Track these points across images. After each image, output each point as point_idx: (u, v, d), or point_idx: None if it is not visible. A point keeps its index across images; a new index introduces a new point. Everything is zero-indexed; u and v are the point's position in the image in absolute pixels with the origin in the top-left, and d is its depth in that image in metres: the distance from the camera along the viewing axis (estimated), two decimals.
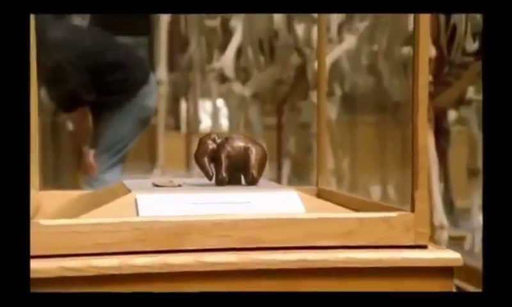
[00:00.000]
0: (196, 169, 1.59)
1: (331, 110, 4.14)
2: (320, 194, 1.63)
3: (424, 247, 1.25)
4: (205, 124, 6.36)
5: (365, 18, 4.14)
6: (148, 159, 6.45)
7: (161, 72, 6.35)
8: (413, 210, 1.25)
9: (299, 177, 4.78)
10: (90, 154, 3.88)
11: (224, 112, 5.84)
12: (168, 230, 1.21)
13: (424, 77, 1.21)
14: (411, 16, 1.86)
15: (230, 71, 4.89)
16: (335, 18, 4.17)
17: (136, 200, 1.30)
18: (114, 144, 3.88)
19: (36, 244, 1.18)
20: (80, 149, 4.07)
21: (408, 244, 1.25)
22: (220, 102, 5.86)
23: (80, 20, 5.76)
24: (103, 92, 3.81)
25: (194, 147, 1.46)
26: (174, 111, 7.18)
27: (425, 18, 1.24)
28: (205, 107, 6.45)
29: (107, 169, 3.85)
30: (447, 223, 3.34)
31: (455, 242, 3.74)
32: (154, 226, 1.21)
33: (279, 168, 4.90)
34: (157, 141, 6.49)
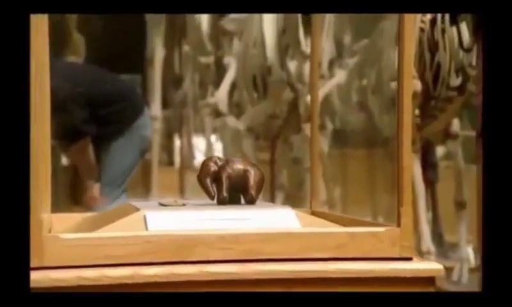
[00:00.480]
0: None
1: (323, 144, 4.27)
2: (314, 214, 1.74)
3: (409, 259, 1.37)
4: (199, 159, 6.47)
5: (355, 54, 4.29)
6: (142, 194, 6.55)
7: (155, 108, 6.47)
8: (398, 225, 1.37)
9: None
10: (95, 188, 3.97)
11: (218, 146, 5.97)
12: (175, 243, 1.32)
13: (408, 101, 1.34)
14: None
15: (224, 106, 5.02)
16: (326, 55, 4.31)
17: (144, 217, 1.41)
18: (118, 175, 3.99)
19: (54, 256, 1.29)
20: (82, 183, 4.17)
21: (394, 256, 1.36)
22: (214, 137, 5.99)
23: (74, 58, 5.90)
24: (102, 124, 3.93)
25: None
26: (168, 147, 7.30)
27: (409, 45, 1.37)
28: (198, 142, 6.58)
29: (114, 200, 3.94)
30: (434, 249, 3.46)
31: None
32: (162, 240, 1.32)
33: (272, 201, 5.01)
34: (151, 176, 6.59)
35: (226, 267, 1.32)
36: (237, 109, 4.99)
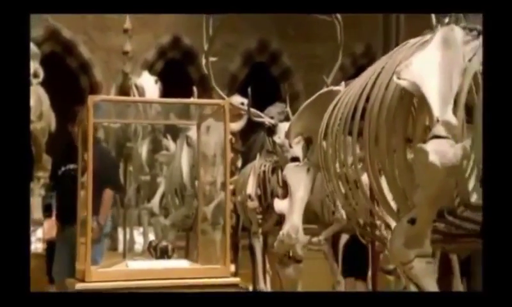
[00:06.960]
0: None
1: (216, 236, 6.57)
2: None
3: (226, 277, 3.77)
4: (139, 244, 8.65)
5: None
6: None
7: None
8: (224, 264, 3.77)
9: None
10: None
11: (151, 236, 8.25)
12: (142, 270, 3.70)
13: (228, 216, 3.76)
14: None
15: (156, 209, 7.42)
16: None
17: (126, 263, 3.81)
18: None
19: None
20: None
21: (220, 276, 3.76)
22: (149, 229, 8.30)
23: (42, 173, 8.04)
24: None
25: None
26: (115, 237, 9.31)
27: None
28: (138, 233, 8.77)
29: None
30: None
31: None
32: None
33: None
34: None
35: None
36: (165, 210, 7.36)
